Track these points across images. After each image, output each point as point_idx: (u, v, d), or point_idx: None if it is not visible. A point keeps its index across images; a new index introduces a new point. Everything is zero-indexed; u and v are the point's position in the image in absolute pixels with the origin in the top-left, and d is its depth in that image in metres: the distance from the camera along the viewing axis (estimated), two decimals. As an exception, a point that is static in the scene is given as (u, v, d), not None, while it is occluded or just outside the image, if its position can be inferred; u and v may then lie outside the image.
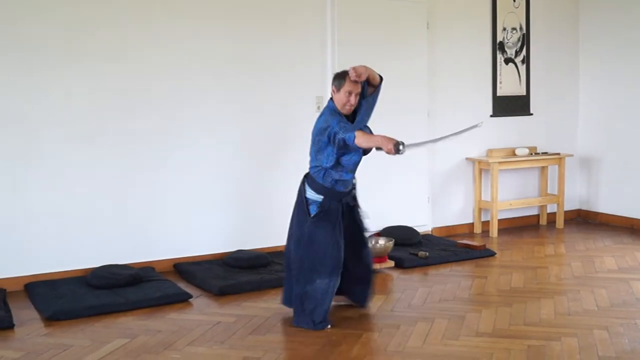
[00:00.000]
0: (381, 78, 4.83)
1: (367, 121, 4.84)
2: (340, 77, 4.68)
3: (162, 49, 6.18)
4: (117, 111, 6.05)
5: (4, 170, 5.66)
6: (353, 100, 4.65)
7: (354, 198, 4.98)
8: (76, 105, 5.88)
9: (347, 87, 4.62)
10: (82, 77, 5.89)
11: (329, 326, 4.73)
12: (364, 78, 4.66)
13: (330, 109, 4.71)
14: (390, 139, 4.37)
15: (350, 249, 4.91)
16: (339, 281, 4.81)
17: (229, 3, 6.45)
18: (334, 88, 4.71)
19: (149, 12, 6.12)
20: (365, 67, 4.66)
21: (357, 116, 4.80)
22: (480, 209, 7.89)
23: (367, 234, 5.13)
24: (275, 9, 6.67)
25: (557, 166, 8.19)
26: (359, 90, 4.67)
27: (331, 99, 4.77)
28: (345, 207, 4.87)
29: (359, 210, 5.02)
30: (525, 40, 8.13)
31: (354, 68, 4.62)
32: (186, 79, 6.31)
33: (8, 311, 5.02)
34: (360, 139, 4.43)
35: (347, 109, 4.69)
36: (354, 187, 4.95)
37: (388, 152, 4.38)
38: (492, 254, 6.75)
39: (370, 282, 5.11)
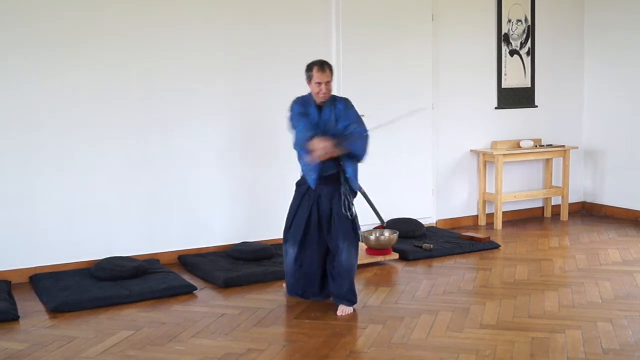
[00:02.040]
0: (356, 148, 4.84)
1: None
2: (308, 70, 4.88)
3: (168, 43, 6.18)
4: (122, 104, 6.05)
5: (9, 163, 5.67)
6: (324, 88, 4.82)
7: (339, 185, 4.91)
8: (81, 99, 5.89)
9: (315, 78, 4.81)
10: (87, 71, 5.89)
11: (286, 294, 5.16)
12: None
13: (299, 97, 4.98)
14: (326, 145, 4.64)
15: (318, 237, 5.00)
16: (294, 252, 5.01)
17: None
18: (306, 80, 4.91)
19: (152, 6, 6.12)
20: (324, 145, 4.67)
21: (335, 121, 4.89)
22: (484, 201, 7.88)
23: (342, 225, 4.91)
24: (278, 1, 6.65)
25: (561, 158, 8.17)
26: (328, 79, 4.83)
27: None
28: (324, 192, 4.91)
29: (340, 200, 4.90)
30: (530, 32, 8.10)
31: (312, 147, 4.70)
32: (189, 72, 6.31)
33: (13, 303, 5.04)
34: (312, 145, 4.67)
35: (320, 97, 4.86)
36: (336, 174, 4.90)
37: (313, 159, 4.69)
38: (496, 246, 6.75)
39: (337, 277, 4.94)
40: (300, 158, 4.91)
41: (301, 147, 4.76)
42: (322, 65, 4.82)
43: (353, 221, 4.94)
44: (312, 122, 4.83)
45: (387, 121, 5.16)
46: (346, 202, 4.90)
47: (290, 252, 5.04)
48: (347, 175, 4.89)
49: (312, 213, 4.95)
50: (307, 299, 5.11)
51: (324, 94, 4.83)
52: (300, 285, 5.09)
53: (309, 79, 4.85)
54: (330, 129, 4.83)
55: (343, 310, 4.87)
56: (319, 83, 4.79)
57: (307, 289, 5.09)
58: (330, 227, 4.91)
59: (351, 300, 4.94)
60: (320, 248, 4.99)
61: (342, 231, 4.89)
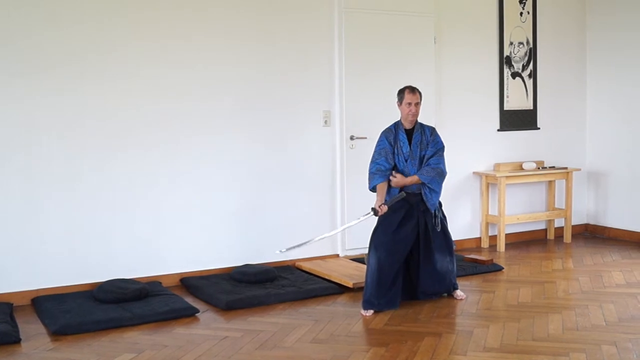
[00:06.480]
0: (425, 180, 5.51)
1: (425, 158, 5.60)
2: (400, 92, 5.54)
3: (176, 69, 6.22)
4: (125, 126, 6.07)
5: (11, 184, 5.69)
6: (414, 109, 5.46)
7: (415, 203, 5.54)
8: (84, 121, 5.91)
9: (406, 99, 5.46)
10: (94, 96, 5.92)
11: (370, 312, 5.31)
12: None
13: (386, 129, 5.62)
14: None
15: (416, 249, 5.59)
16: (379, 259, 5.36)
17: (236, 21, 6.49)
18: (397, 103, 5.57)
19: (165, 34, 6.16)
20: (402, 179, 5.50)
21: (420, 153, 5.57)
22: (487, 224, 7.87)
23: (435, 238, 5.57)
24: (282, 24, 6.69)
25: (564, 180, 8.17)
26: (418, 100, 5.48)
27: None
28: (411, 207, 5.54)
29: (427, 216, 5.56)
30: (532, 54, 8.14)
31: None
32: (196, 96, 6.34)
33: (15, 325, 5.02)
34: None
35: (410, 119, 5.52)
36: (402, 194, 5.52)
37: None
38: (499, 269, 6.73)
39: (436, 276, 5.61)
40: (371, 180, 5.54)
41: (369, 180, 5.54)
42: (413, 89, 5.48)
43: (444, 232, 5.64)
44: (391, 151, 5.51)
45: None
46: (433, 220, 5.56)
47: (372, 262, 5.41)
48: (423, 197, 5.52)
49: (394, 221, 5.44)
50: (380, 309, 5.37)
51: (413, 114, 5.46)
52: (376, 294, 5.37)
53: (400, 100, 5.49)
54: (416, 152, 5.52)
55: (459, 295, 5.74)
56: (410, 103, 5.43)
57: (381, 296, 5.38)
58: (421, 241, 5.53)
59: (455, 286, 5.77)
60: (400, 258, 5.45)
61: (435, 243, 5.56)
